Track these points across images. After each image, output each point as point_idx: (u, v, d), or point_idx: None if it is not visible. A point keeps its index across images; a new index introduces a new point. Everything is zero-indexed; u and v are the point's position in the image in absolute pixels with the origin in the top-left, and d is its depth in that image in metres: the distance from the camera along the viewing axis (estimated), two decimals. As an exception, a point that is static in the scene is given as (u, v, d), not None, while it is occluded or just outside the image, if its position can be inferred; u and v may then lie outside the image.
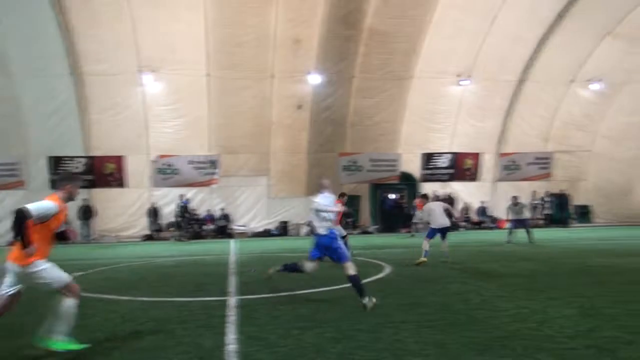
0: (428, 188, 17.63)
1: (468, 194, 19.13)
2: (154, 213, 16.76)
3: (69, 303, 3.27)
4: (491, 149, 18.97)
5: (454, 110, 18.11)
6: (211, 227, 17.33)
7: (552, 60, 17.40)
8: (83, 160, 16.20)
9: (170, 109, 16.47)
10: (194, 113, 16.52)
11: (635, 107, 18.82)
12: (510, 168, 19.13)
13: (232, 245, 13.69)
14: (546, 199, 19.40)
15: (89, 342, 3.59)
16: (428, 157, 18.37)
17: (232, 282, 6.80)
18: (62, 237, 3.58)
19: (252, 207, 17.73)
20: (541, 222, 19.22)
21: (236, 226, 17.21)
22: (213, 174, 16.71)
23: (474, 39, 16.82)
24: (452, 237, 10.29)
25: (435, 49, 16.69)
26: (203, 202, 17.67)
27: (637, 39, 17.23)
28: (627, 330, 3.73)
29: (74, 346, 3.35)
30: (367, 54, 16.72)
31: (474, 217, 19.14)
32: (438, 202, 8.98)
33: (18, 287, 3.21)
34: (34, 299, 3.85)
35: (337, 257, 4.89)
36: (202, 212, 17.45)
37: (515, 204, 12.70)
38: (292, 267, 5.36)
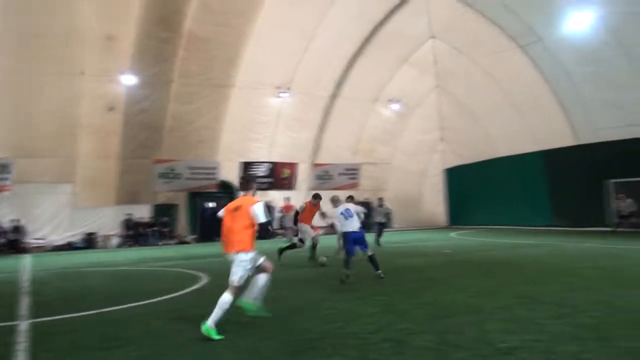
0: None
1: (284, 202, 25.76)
2: None
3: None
4: (306, 159, 26.00)
5: (273, 120, 24.43)
6: (-1, 240, 19.42)
7: (360, 79, 25.26)
8: None
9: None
10: (-21, 109, 18.45)
11: (425, 127, 28.52)
12: (324, 178, 26.67)
13: (27, 261, 16.07)
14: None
15: None
16: (247, 166, 24.28)
17: (24, 304, 7.75)
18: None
19: (53, 218, 20.67)
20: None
21: (32, 239, 19.77)
22: (4, 179, 18.94)
23: (293, 54, 23.28)
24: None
25: (256, 60, 22.45)
26: (-11, 212, 19.69)
27: (426, 69, 26.38)
28: (416, 322, 5.77)
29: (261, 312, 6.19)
30: (186, 59, 21.42)
31: (289, 225, 25.94)
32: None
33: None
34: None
35: (365, 246, 9.44)
36: (-15, 223, 19.42)
37: (380, 205, 17.56)
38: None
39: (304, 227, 12.62)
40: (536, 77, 21.65)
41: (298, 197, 26.41)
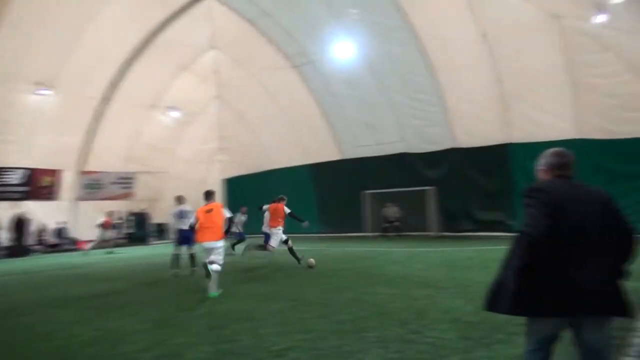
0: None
1: (44, 214, 22.77)
2: None
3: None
4: (73, 166, 23.50)
5: (29, 121, 21.36)
6: None
7: (137, 84, 23.92)
8: None
9: None
10: None
11: (205, 136, 28.51)
12: (93, 187, 24.49)
13: None
14: (129, 217, 25.79)
15: None
16: (-6, 171, 20.78)
17: None
18: None
19: None
20: (122, 240, 25.46)
21: None
22: None
23: (58, 48, 20.66)
24: (24, 262, 13.53)
25: (7, 49, 19.26)
26: None
27: (206, 79, 26.40)
28: (192, 335, 5.82)
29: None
30: None
31: (51, 239, 23.00)
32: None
33: None
34: None
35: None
36: None
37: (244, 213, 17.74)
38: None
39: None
40: (308, 96, 23.69)
41: (61, 209, 23.75)
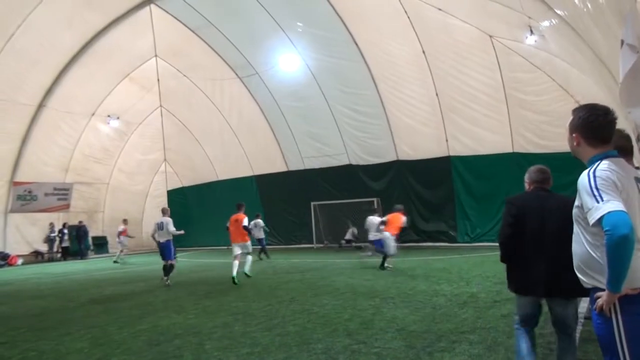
0: None
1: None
2: None
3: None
4: (3, 177, 22.14)
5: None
6: None
7: (74, 90, 22.93)
8: None
9: None
10: None
11: (148, 146, 27.71)
12: (26, 198, 23.16)
13: None
14: (63, 230, 24.55)
15: None
16: None
17: None
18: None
19: None
20: (58, 255, 24.22)
21: None
22: None
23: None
24: None
25: None
26: None
27: (149, 88, 25.72)
28: (132, 352, 5.61)
29: None
30: None
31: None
32: None
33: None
34: None
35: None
36: None
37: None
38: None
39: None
40: (254, 107, 23.57)
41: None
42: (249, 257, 12.23)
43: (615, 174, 2.35)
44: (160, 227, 12.53)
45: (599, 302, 2.32)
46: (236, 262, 11.72)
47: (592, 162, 2.51)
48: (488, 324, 6.08)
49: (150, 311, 8.41)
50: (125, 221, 22.46)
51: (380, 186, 21.36)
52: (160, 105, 26.64)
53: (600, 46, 7.93)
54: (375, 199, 21.26)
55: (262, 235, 18.87)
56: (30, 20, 19.19)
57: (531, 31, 13.95)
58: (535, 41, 14.33)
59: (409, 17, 16.96)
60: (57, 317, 8.36)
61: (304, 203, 23.41)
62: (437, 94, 18.34)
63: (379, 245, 13.40)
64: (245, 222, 12.00)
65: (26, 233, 24.08)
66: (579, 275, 2.53)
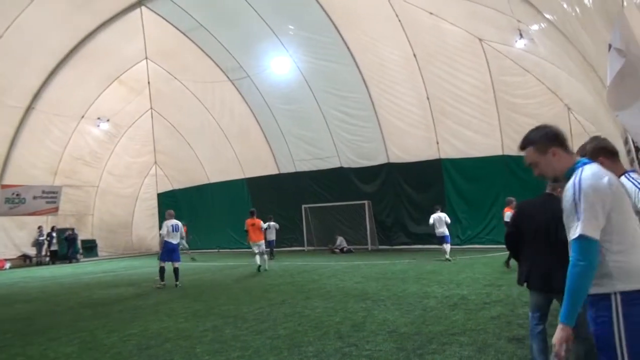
0: None
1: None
2: None
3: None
4: (-9, 180, 21.97)
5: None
6: None
7: (63, 93, 22.73)
8: None
9: None
10: None
11: (138, 149, 27.54)
12: (14, 201, 22.91)
13: None
14: (53, 234, 24.31)
15: None
16: None
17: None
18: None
19: None
20: (47, 259, 23.97)
21: None
22: None
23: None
24: None
25: None
26: None
27: (139, 90, 25.57)
28: (122, 356, 5.62)
29: None
30: None
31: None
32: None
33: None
34: None
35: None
36: None
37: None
38: None
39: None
40: (245, 110, 23.52)
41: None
42: (265, 256, 14.97)
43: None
44: (175, 228, 12.61)
45: (555, 340, 2.27)
46: (257, 257, 14.64)
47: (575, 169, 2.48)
48: (478, 325, 6.11)
49: (140, 315, 8.35)
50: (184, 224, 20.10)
51: (372, 189, 21.40)
52: (151, 108, 26.49)
53: (588, 50, 8.02)
54: (366, 202, 21.30)
55: (273, 237, 20.02)
56: (19, 21, 19.00)
57: (521, 35, 14.09)
58: (525, 45, 14.47)
59: (400, 21, 17.05)
60: (46, 321, 8.26)
61: (295, 206, 23.38)
62: (427, 97, 18.44)
63: (448, 240, 14.88)
64: (263, 225, 15.73)
65: (14, 236, 23.80)
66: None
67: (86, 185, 26.22)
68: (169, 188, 29.19)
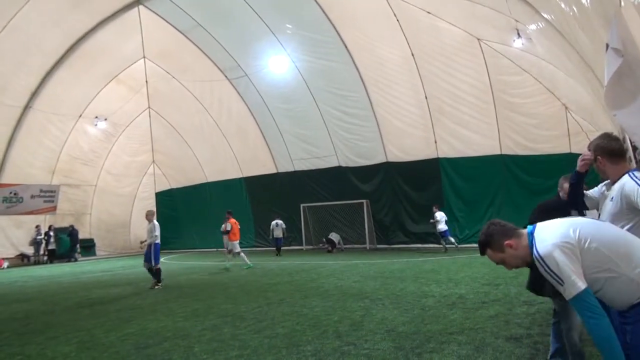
0: None
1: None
2: None
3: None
4: (-12, 179, 21.93)
5: None
6: None
7: (60, 92, 22.70)
8: None
9: None
10: None
11: (135, 148, 27.52)
12: (12, 201, 22.86)
13: None
14: (51, 233, 24.27)
15: None
16: None
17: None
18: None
19: None
20: (45, 258, 23.94)
21: None
22: None
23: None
24: None
25: None
26: None
27: (137, 89, 25.53)
28: (120, 356, 5.59)
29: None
30: None
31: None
32: None
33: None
34: None
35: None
36: None
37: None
38: None
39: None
40: (243, 109, 23.51)
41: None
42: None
43: None
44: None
45: None
46: (231, 256, 16.20)
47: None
48: (476, 324, 6.11)
49: (138, 314, 8.35)
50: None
51: (370, 188, 21.41)
52: (149, 107, 26.45)
53: (586, 49, 8.03)
54: (364, 201, 21.31)
55: (280, 234, 21.04)
56: (16, 21, 18.94)
57: (518, 34, 14.11)
58: (523, 44, 14.50)
59: (398, 20, 17.05)
60: (43, 320, 8.25)
61: (293, 205, 23.38)
62: (425, 97, 18.44)
63: (448, 234, 17.63)
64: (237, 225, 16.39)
65: (12, 235, 23.78)
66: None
67: (84, 185, 26.20)
68: (167, 187, 29.18)
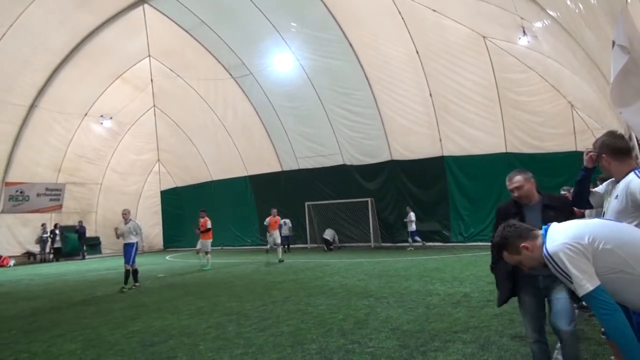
0: None
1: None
2: None
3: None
4: (-4, 177, 22.07)
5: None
6: None
7: (66, 91, 22.79)
8: None
9: None
10: None
11: (140, 147, 27.61)
12: (18, 199, 22.98)
13: None
14: (57, 231, 24.38)
15: None
16: None
17: None
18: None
19: None
20: (51, 256, 24.07)
21: None
22: None
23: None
24: None
25: None
26: None
27: (142, 88, 25.61)
28: (125, 354, 5.56)
29: None
30: None
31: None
32: None
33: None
34: None
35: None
36: None
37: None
38: None
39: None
40: (248, 108, 23.53)
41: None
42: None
43: None
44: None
45: None
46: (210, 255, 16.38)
47: None
48: (481, 323, 6.11)
49: (143, 312, 8.38)
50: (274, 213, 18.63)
51: (374, 186, 21.39)
52: (154, 106, 26.53)
53: (592, 47, 7.99)
54: (369, 199, 21.30)
55: (287, 232, 21.55)
56: (21, 20, 19.04)
57: (524, 32, 14.04)
58: (528, 42, 14.43)
59: (402, 18, 17.01)
60: (49, 318, 8.29)
61: (298, 203, 23.39)
62: (430, 95, 18.40)
63: (415, 235, 19.00)
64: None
65: (18, 234, 23.93)
66: None
67: (89, 183, 26.32)
68: (172, 186, 29.26)
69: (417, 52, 17.72)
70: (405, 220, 19.17)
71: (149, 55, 23.53)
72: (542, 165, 16.61)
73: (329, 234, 21.73)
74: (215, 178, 27.03)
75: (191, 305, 8.82)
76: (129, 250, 12.04)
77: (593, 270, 2.33)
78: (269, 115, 23.15)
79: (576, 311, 4.18)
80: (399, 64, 18.47)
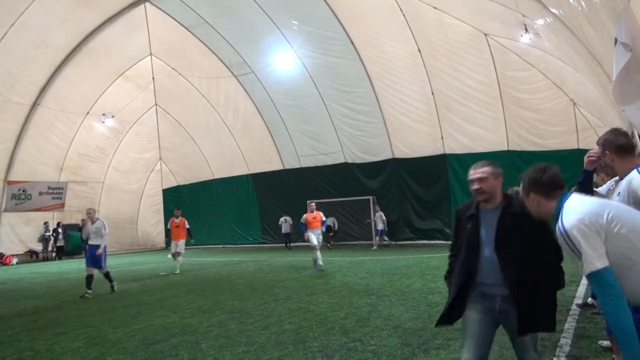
0: None
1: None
2: None
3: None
4: (-2, 176, 22.12)
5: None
6: None
7: (68, 89, 22.83)
8: None
9: None
10: None
11: (142, 145, 27.63)
12: (20, 197, 23.01)
13: None
14: (59, 230, 24.42)
15: None
16: None
17: None
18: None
19: None
20: (53, 254, 24.12)
21: None
22: None
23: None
24: None
25: None
26: None
27: (143, 86, 25.63)
28: (127, 352, 5.64)
29: None
30: None
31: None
32: None
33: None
34: None
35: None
36: None
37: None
38: None
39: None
40: (249, 106, 23.53)
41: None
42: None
43: None
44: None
45: None
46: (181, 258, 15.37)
47: None
48: (483, 321, 6.09)
49: (145, 310, 8.40)
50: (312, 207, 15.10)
51: (376, 184, 21.38)
52: (156, 104, 26.55)
53: (594, 44, 7.97)
54: (371, 197, 21.29)
55: (289, 230, 22.30)
56: (23, 18, 19.05)
57: (526, 29, 13.99)
58: (530, 39, 14.38)
59: (404, 15, 16.98)
60: (52, 316, 8.31)
61: (299, 201, 23.34)
62: (432, 92, 18.37)
63: (382, 232, 20.00)
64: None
65: (20, 232, 23.98)
66: None
67: (92, 181, 26.35)
68: (174, 184, 29.31)
69: (418, 49, 17.69)
70: (374, 219, 20.16)
71: (151, 54, 23.55)
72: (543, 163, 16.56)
73: (329, 220, 21.71)
74: (217, 176, 27.06)
75: (193, 303, 8.83)
76: (93, 253, 11.09)
77: (604, 250, 2.29)
78: (271, 113, 23.14)
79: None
80: (401, 62, 18.43)
